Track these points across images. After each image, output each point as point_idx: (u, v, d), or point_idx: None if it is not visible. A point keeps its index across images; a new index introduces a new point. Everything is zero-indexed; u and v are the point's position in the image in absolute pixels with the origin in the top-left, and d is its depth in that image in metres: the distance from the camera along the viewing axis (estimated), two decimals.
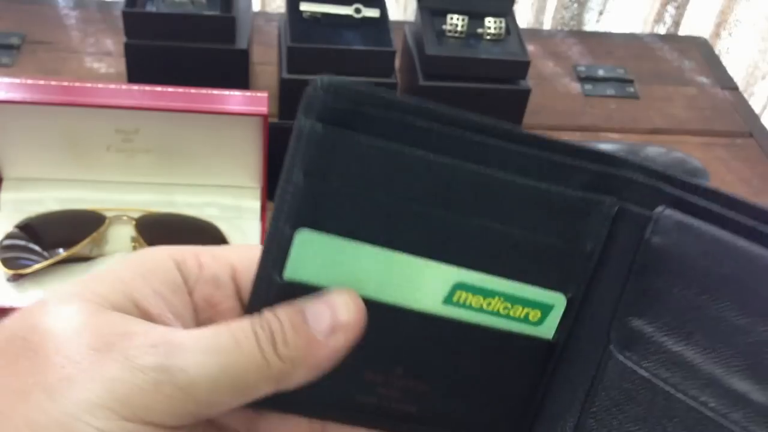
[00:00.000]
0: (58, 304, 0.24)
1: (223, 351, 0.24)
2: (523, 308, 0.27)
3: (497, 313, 0.27)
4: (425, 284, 0.26)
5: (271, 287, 0.26)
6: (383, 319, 0.27)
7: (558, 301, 0.28)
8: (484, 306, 0.27)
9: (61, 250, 0.62)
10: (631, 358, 0.27)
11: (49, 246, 0.62)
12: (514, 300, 0.27)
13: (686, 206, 0.25)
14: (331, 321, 0.25)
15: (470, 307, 0.27)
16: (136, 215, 0.65)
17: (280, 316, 0.25)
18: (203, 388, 0.24)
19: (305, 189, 0.25)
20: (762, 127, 0.92)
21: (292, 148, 0.24)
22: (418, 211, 0.25)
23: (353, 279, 0.26)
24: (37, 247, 0.62)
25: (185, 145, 0.66)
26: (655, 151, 0.77)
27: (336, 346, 0.25)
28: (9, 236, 0.63)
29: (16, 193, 0.66)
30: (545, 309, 0.28)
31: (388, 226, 0.25)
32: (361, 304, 0.26)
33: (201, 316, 0.27)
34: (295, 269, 0.25)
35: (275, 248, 0.25)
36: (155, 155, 0.66)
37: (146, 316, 0.25)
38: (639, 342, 0.26)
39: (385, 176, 0.25)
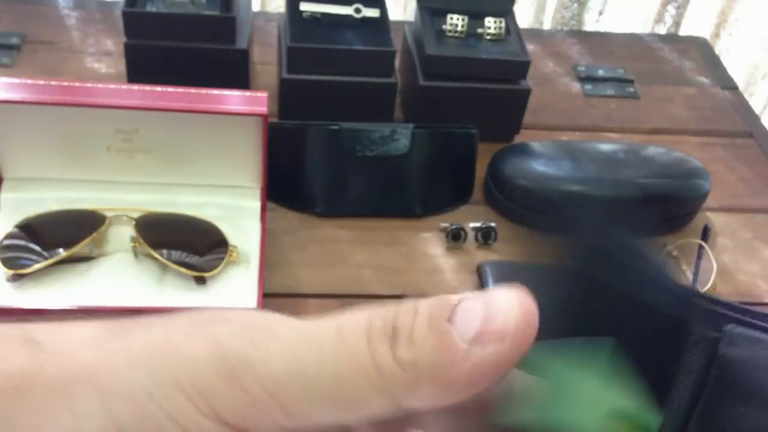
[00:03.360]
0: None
1: (320, 343, 0.19)
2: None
3: None
4: None
5: None
6: None
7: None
8: None
9: (61, 250, 0.62)
10: None
11: (49, 246, 0.62)
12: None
13: (748, 325, 0.27)
14: (481, 324, 0.18)
15: None
16: (136, 215, 0.65)
17: (418, 307, 0.19)
18: (290, 389, 0.18)
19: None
20: (762, 127, 0.92)
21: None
22: None
23: None
24: (37, 247, 0.62)
25: (185, 145, 0.66)
26: (655, 151, 0.77)
27: (481, 361, 0.18)
28: (9, 236, 0.63)
29: (16, 193, 0.66)
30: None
31: None
32: (531, 308, 0.19)
33: None
34: None
35: None
36: (155, 155, 0.66)
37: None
38: None
39: None
